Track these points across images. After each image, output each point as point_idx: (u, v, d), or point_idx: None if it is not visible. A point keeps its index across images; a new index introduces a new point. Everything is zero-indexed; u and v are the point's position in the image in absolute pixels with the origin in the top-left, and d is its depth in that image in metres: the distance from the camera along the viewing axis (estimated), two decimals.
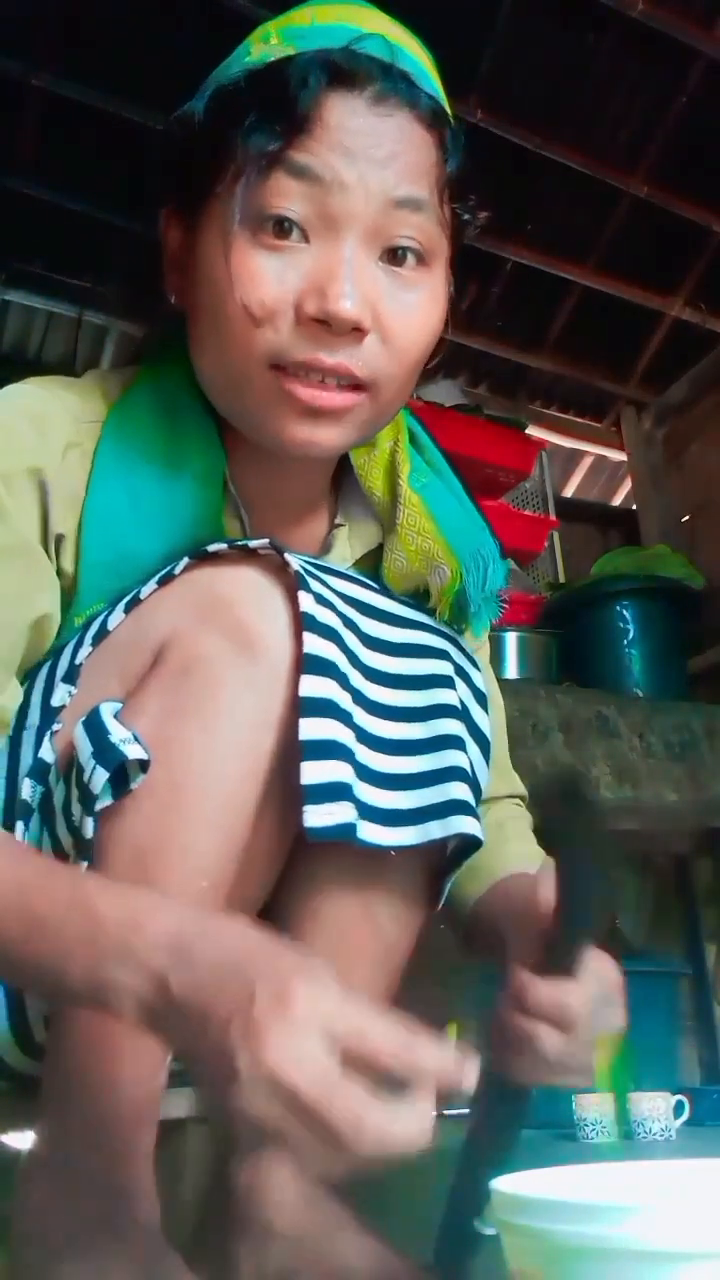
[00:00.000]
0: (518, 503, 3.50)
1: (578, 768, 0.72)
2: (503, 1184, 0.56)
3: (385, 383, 0.80)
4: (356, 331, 0.77)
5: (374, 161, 0.76)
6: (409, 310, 0.80)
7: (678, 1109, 1.96)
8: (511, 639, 2.70)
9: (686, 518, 3.40)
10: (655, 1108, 1.92)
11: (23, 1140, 0.83)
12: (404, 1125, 0.53)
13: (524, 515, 3.40)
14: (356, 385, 0.79)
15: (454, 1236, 0.75)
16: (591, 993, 0.70)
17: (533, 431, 3.55)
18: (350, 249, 0.76)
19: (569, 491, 4.30)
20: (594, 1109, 1.94)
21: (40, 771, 0.78)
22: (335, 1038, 0.54)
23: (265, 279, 0.76)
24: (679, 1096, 1.99)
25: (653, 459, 3.62)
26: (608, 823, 0.64)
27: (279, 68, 0.77)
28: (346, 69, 0.76)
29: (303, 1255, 0.77)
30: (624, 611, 2.72)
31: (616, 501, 4.34)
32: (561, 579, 3.47)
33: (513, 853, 0.95)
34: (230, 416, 0.85)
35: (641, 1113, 1.92)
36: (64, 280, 3.34)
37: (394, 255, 0.79)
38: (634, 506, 3.75)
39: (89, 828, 0.72)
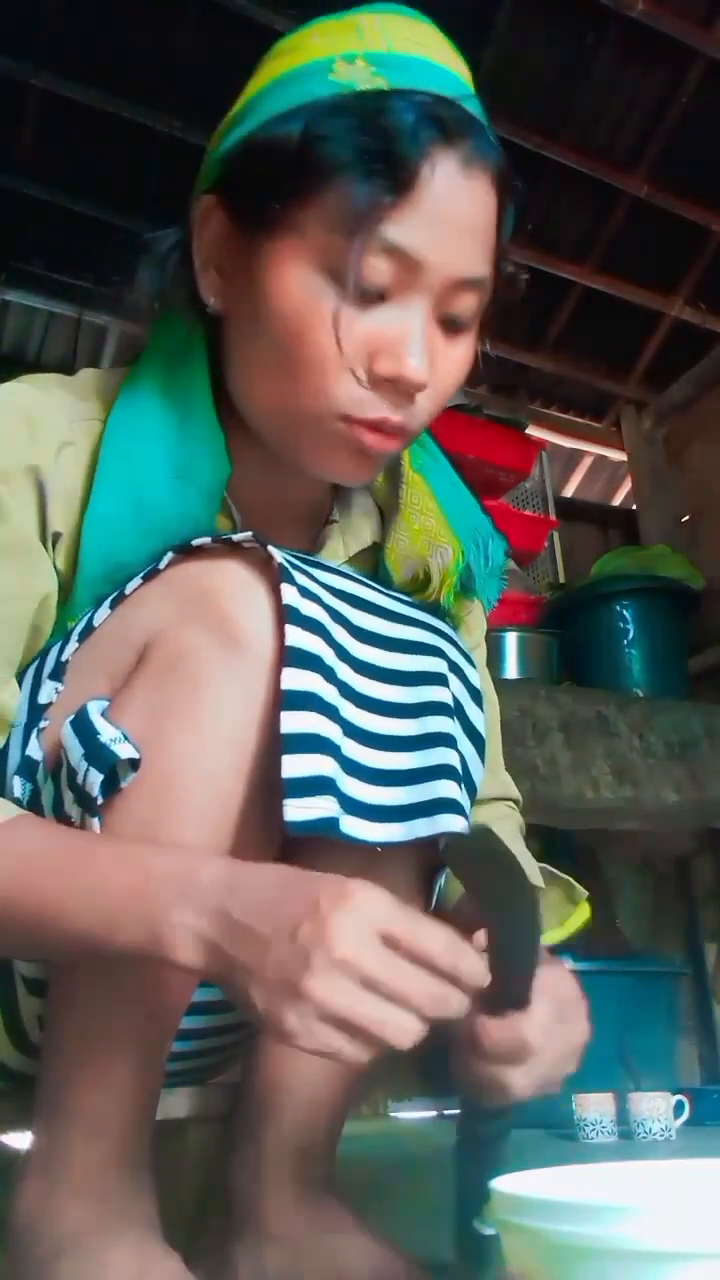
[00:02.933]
0: (518, 503, 3.50)
1: (484, 826, 0.74)
2: (503, 1184, 0.55)
3: (423, 424, 0.84)
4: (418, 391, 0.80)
5: (456, 232, 0.77)
6: (454, 364, 0.83)
7: (678, 1109, 1.96)
8: (511, 639, 2.70)
9: (686, 518, 3.40)
10: (655, 1108, 1.92)
11: (20, 1140, 0.83)
12: (459, 999, 0.62)
13: (524, 515, 3.40)
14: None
15: (465, 1241, 0.75)
16: (547, 1017, 0.70)
17: (533, 431, 3.55)
18: (421, 314, 0.79)
19: (569, 491, 4.31)
20: (594, 1109, 1.94)
21: (29, 769, 0.78)
22: (392, 931, 0.61)
23: (346, 333, 0.77)
24: (679, 1096, 1.99)
25: (653, 459, 3.62)
26: (517, 868, 0.68)
27: (379, 109, 0.75)
28: (449, 126, 0.76)
29: (302, 1256, 0.77)
30: (624, 611, 2.72)
31: (616, 501, 4.34)
32: (561, 579, 3.47)
33: None
34: (273, 443, 0.84)
35: (641, 1113, 1.92)
36: (64, 280, 3.35)
37: (449, 320, 0.81)
38: (634, 506, 3.75)
39: (95, 828, 0.72)
